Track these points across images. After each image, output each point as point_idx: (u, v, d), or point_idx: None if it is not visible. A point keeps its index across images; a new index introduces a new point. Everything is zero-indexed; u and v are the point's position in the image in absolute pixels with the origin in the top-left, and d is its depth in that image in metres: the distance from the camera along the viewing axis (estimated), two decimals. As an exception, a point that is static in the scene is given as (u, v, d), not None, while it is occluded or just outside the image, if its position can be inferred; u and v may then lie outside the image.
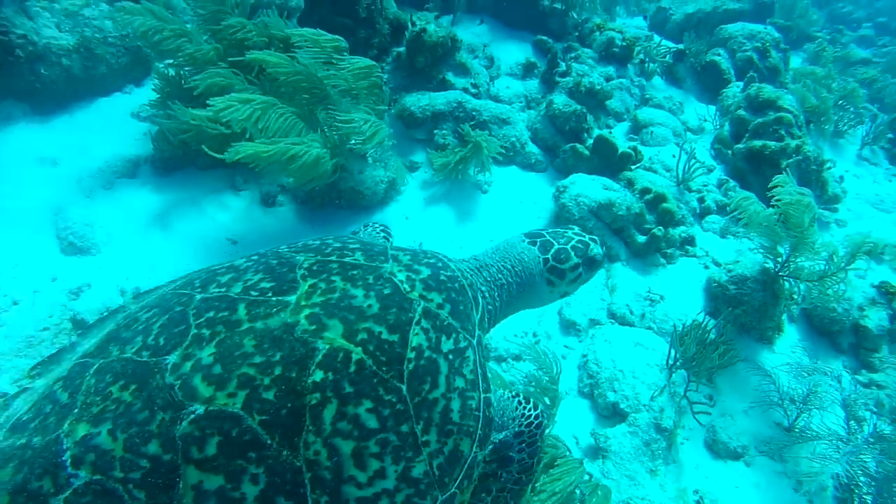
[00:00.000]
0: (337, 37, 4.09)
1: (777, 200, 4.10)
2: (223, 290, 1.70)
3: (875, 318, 4.85)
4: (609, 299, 4.51)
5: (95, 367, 1.56)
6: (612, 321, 4.38)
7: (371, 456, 1.52)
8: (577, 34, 8.02)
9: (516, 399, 2.16)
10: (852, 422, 3.76)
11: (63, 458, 1.37)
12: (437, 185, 5.09)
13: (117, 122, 4.67)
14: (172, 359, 1.50)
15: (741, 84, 7.84)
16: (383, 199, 4.73)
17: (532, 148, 5.78)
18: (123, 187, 4.20)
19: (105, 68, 4.86)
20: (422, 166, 5.24)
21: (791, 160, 5.86)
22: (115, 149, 4.39)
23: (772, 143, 6.10)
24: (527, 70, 7.07)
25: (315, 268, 1.78)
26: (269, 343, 1.52)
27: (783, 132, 6.15)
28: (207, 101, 3.42)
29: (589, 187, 5.05)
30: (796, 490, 3.59)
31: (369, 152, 4.41)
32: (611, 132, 5.97)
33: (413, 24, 5.72)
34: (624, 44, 7.66)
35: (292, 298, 1.65)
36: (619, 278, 4.70)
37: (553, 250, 2.41)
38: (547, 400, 3.04)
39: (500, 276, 2.35)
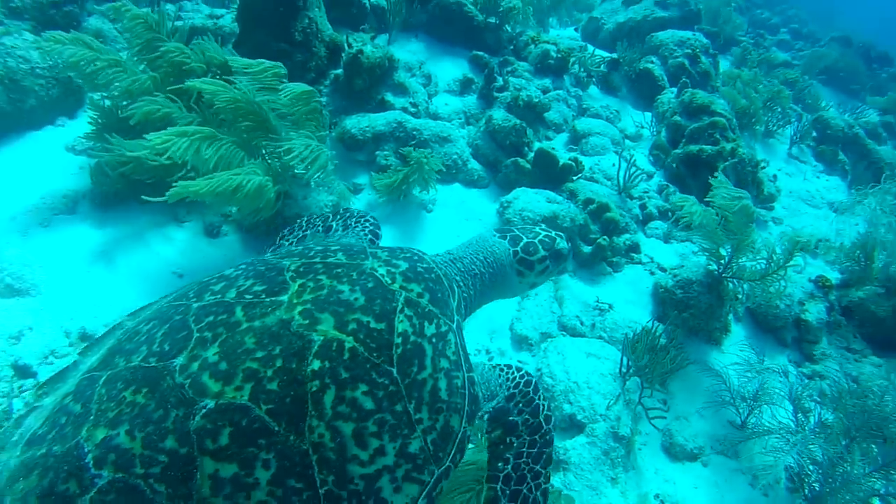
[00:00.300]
0: (277, 63, 4.13)
1: (717, 205, 4.36)
2: (218, 296, 1.86)
3: (814, 312, 5.19)
4: (559, 311, 4.66)
5: (104, 378, 1.69)
6: (564, 333, 4.52)
7: (370, 435, 1.68)
8: (512, 48, 8.30)
9: (497, 368, 2.33)
10: (800, 414, 4.00)
11: (86, 461, 1.49)
12: (381, 206, 5.15)
13: (52, 157, 4.54)
14: (179, 361, 1.64)
15: (675, 90, 8.28)
16: (330, 223, 4.75)
17: (474, 164, 5.93)
18: (62, 224, 4.08)
19: (34, 101, 4.72)
20: (365, 188, 5.29)
21: (727, 163, 6.22)
22: (50, 184, 4.26)
23: (708, 147, 6.48)
24: (464, 86, 7.26)
25: (302, 269, 1.95)
26: (269, 339, 1.67)
27: (718, 136, 6.53)
28: (144, 136, 3.38)
29: (533, 201, 5.22)
30: (753, 485, 3.79)
31: (312, 177, 4.44)
32: (553, 148, 6.17)
33: (350, 45, 5.80)
34: (559, 55, 7.98)
35: (285, 298, 1.81)
36: (568, 290, 4.86)
37: (522, 243, 2.64)
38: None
39: (473, 266, 2.55)
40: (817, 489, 3.59)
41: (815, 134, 9.38)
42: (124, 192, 4.25)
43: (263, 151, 4.10)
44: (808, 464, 3.68)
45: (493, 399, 2.23)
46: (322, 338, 1.71)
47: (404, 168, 5.04)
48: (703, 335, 4.81)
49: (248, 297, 1.82)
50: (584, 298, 4.87)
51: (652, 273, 5.42)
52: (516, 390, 2.28)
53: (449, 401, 1.90)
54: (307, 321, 1.74)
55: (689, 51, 9.28)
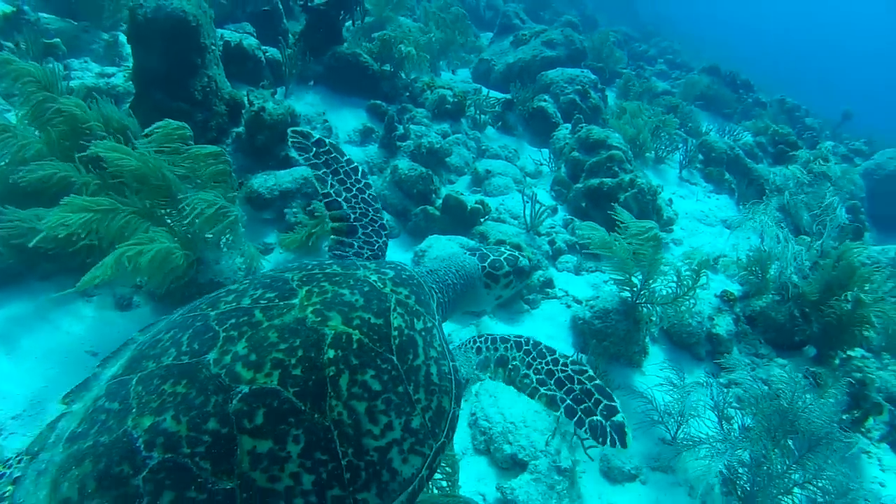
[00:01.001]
0: (181, 123, 4.23)
1: (629, 239, 4.90)
2: (233, 304, 2.18)
3: (724, 325, 5.85)
4: (487, 353, 4.96)
5: (136, 379, 1.95)
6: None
7: (380, 412, 2.02)
8: (408, 94, 8.81)
9: (462, 348, 2.79)
10: (724, 422, 4.49)
11: (137, 445, 1.74)
12: (292, 264, 5.28)
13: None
14: (212, 356, 1.94)
15: (569, 126, 9.09)
16: (244, 287, 4.82)
17: (385, 216, 6.21)
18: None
19: None
20: (275, 248, 5.42)
21: (628, 193, 6.92)
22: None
23: (608, 180, 7.18)
24: (364, 136, 7.62)
25: (305, 279, 2.32)
26: (289, 333, 2.02)
27: (616, 168, 7.27)
28: (36, 215, 3.39)
29: (446, 248, 5.56)
30: (691, 496, 4.19)
31: (223, 240, 4.53)
32: (460, 192, 6.60)
33: (251, 103, 5.98)
34: (455, 100, 8.57)
35: (296, 301, 2.17)
36: (489, 330, 5.19)
37: (489, 260, 3.17)
38: (448, 468, 3.34)
39: (446, 277, 3.00)
40: (748, 489, 4.05)
41: (701, 157, 10.55)
42: (18, 266, 4.16)
43: (168, 220, 4.18)
44: (737, 467, 4.14)
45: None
46: (333, 331, 2.07)
47: (311, 222, 5.25)
48: (623, 360, 5.28)
49: (262, 302, 2.17)
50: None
51: (568, 306, 5.88)
52: (479, 341, 2.81)
53: (440, 384, 2.29)
54: (319, 318, 2.10)
55: (579, 87, 10.23)
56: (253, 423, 1.81)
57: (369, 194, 3.32)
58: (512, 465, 3.93)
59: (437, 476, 3.28)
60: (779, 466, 3.98)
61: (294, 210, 5.61)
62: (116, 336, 4.11)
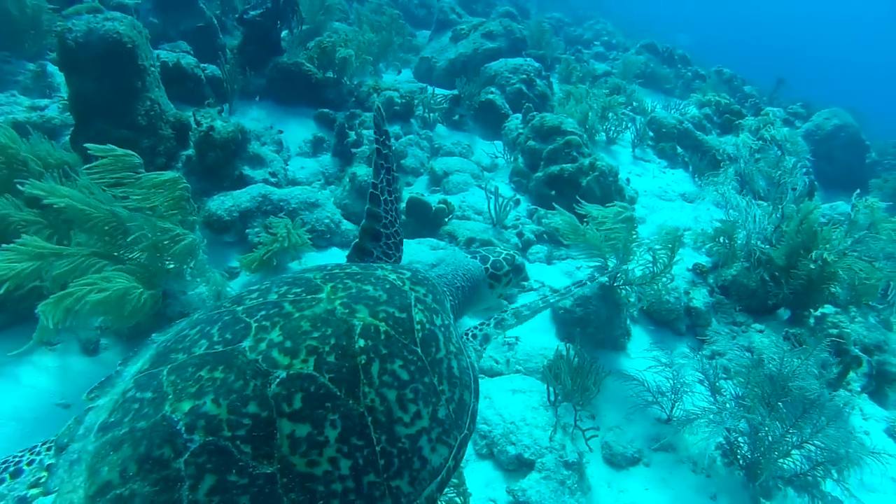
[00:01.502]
0: (127, 151, 4.05)
1: (606, 227, 4.96)
2: (261, 299, 2.24)
3: (700, 297, 5.98)
4: (474, 355, 4.93)
5: (167, 370, 1.97)
6: (482, 376, 4.79)
7: (409, 401, 2.08)
8: (354, 100, 8.71)
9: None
10: (717, 394, 4.57)
11: (178, 428, 1.77)
12: (258, 283, 5.15)
13: None
14: (247, 343, 1.99)
15: (519, 116, 9.14)
16: (214, 315, 4.68)
17: (347, 225, 6.11)
18: None
19: None
20: (241, 271, 5.27)
21: (589, 177, 7.00)
22: None
23: (568, 166, 7.25)
24: (316, 146, 7.49)
25: (327, 277, 2.38)
26: (321, 323, 2.07)
27: (574, 153, 7.34)
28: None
29: (418, 252, 5.51)
30: (695, 471, 4.27)
31: (187, 270, 4.39)
32: (421, 194, 6.55)
33: (199, 123, 5.79)
34: (403, 100, 8.51)
35: (323, 295, 2.23)
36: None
37: (490, 261, 3.34)
38: (455, 479, 3.29)
39: (454, 280, 3.15)
40: (749, 457, 4.15)
41: (651, 134, 10.77)
42: None
43: (125, 256, 4.02)
44: (735, 436, 4.23)
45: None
46: (361, 323, 2.13)
47: (269, 243, 5.14)
48: (609, 345, 5.34)
49: (290, 296, 2.22)
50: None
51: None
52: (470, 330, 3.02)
53: (460, 377, 2.37)
54: (347, 310, 2.16)
55: (524, 76, 10.32)
56: (292, 406, 1.85)
57: (399, 209, 3.31)
58: (518, 466, 3.91)
59: (447, 491, 3.24)
60: (777, 431, 4.08)
61: (256, 230, 5.46)
62: (87, 383, 3.90)
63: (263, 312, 2.13)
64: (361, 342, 2.08)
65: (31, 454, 2.13)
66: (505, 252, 3.44)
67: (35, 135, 4.42)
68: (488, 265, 3.32)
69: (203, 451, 1.74)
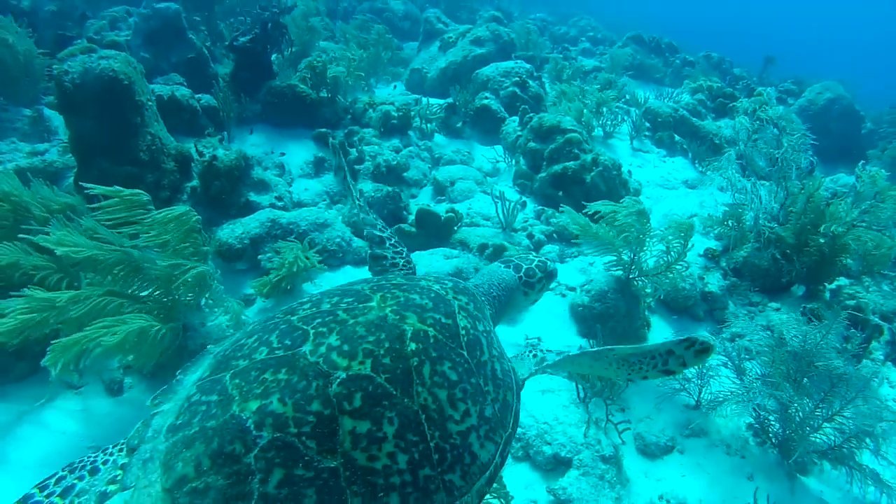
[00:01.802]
0: (135, 190, 4.11)
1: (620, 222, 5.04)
2: (314, 309, 2.39)
3: (714, 281, 6.04)
4: (500, 358, 4.99)
5: (229, 375, 2.14)
6: (510, 378, 4.84)
7: (458, 400, 2.21)
8: (350, 117, 8.80)
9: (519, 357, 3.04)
10: (742, 376, 4.62)
11: (247, 425, 1.92)
12: (273, 309, 5.21)
13: None
14: (307, 347, 2.15)
15: (516, 118, 9.22)
16: (235, 342, 4.74)
17: (358, 242, 6.17)
18: None
19: None
20: (256, 297, 5.33)
21: (593, 173, 7.07)
22: None
23: (571, 164, 7.32)
24: (317, 167, 7.56)
25: (375, 287, 2.55)
26: (374, 328, 2.23)
27: (576, 150, 7.41)
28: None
29: (432, 263, 5.58)
30: (728, 453, 4.32)
31: (203, 301, 4.45)
32: (428, 204, 6.62)
33: (201, 154, 5.87)
34: (400, 113, 8.59)
35: (373, 304, 2.39)
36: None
37: (524, 269, 3.48)
38: (495, 483, 3.34)
39: (491, 290, 3.31)
40: (781, 434, 4.19)
41: (647, 125, 10.85)
42: None
43: (141, 293, 4.09)
44: (765, 415, 4.27)
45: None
46: (412, 328, 2.29)
47: (279, 267, 5.20)
48: (630, 337, 5.38)
49: (342, 305, 2.39)
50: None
51: (563, 295, 5.96)
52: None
53: (503, 379, 2.50)
54: (398, 317, 2.32)
55: (517, 78, 10.41)
56: (352, 405, 2.00)
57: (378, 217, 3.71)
58: (556, 465, 3.95)
59: (488, 498, 3.30)
60: (806, 406, 4.12)
61: (268, 255, 5.52)
62: (115, 424, 3.99)
63: (319, 320, 2.29)
64: (413, 345, 2.23)
65: (105, 455, 2.31)
66: (537, 260, 3.59)
67: (36, 182, 4.49)
68: (521, 273, 3.47)
69: (271, 447, 1.89)
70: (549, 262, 3.62)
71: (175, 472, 1.91)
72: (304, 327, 2.27)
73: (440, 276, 2.97)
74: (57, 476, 2.29)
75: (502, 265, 3.57)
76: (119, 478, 2.14)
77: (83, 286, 3.97)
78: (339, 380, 2.04)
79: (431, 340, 2.30)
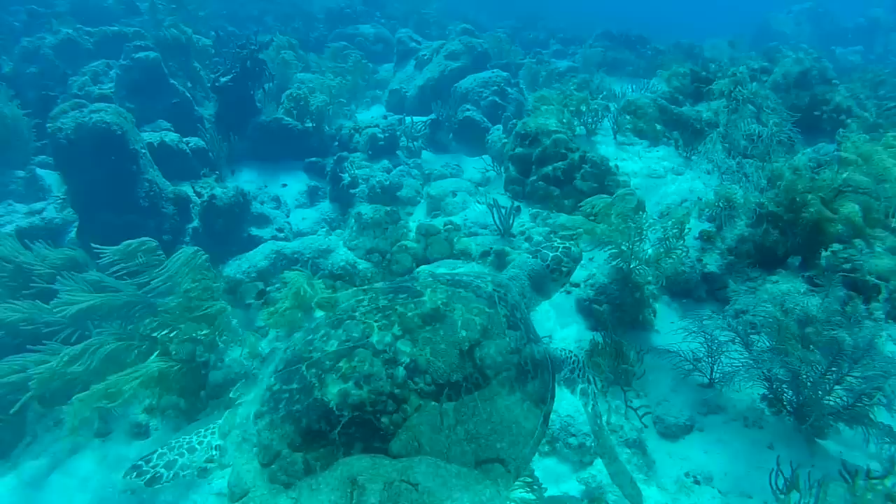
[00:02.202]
0: (143, 239, 4.29)
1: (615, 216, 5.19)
2: (372, 306, 2.82)
3: (712, 262, 6.20)
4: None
5: (305, 365, 2.57)
6: (526, 378, 4.97)
7: (505, 378, 2.68)
8: (337, 143, 8.98)
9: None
10: (750, 349, 4.76)
11: (331, 406, 2.36)
12: (285, 338, 5.32)
13: None
14: (374, 338, 2.60)
15: (500, 127, 9.41)
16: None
17: (364, 264, 6.32)
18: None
19: None
20: (270, 329, 5.45)
21: (582, 170, 7.24)
22: None
23: (560, 164, 7.49)
24: (312, 195, 7.73)
25: (424, 284, 2.98)
26: (429, 319, 2.71)
27: (563, 150, 7.58)
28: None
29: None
30: (747, 426, 4.45)
31: (219, 337, 4.59)
32: (431, 220, 6.77)
33: (199, 195, 6.02)
34: (386, 134, 8.79)
35: (425, 298, 2.85)
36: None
37: (551, 257, 3.86)
38: (528, 477, 3.46)
39: (524, 280, 3.73)
40: (795, 401, 4.33)
41: (628, 117, 11.03)
42: (16, 429, 4.17)
43: (158, 336, 4.24)
44: (778, 385, 4.41)
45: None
46: (461, 318, 2.76)
47: (283, 299, 5.32)
48: (637, 325, 5.53)
49: (399, 300, 2.82)
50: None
51: (568, 292, 6.10)
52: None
53: (541, 360, 2.98)
54: (448, 308, 2.78)
55: (496, 87, 10.63)
56: (418, 386, 2.43)
57: None
58: (583, 455, 4.08)
59: (523, 494, 3.43)
60: (816, 371, 4.26)
61: (276, 286, 5.66)
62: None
63: (380, 315, 2.72)
64: (463, 332, 2.69)
65: (199, 437, 2.68)
66: (562, 247, 3.92)
67: (38, 244, 4.68)
68: (549, 261, 3.84)
69: (352, 423, 2.32)
70: (574, 248, 3.96)
71: (270, 451, 2.30)
72: (368, 321, 2.68)
73: (481, 272, 3.41)
74: (157, 453, 2.65)
75: (530, 256, 3.93)
76: (216, 457, 2.55)
77: (93, 334, 4.16)
78: (404, 364, 2.47)
79: (479, 327, 2.73)
